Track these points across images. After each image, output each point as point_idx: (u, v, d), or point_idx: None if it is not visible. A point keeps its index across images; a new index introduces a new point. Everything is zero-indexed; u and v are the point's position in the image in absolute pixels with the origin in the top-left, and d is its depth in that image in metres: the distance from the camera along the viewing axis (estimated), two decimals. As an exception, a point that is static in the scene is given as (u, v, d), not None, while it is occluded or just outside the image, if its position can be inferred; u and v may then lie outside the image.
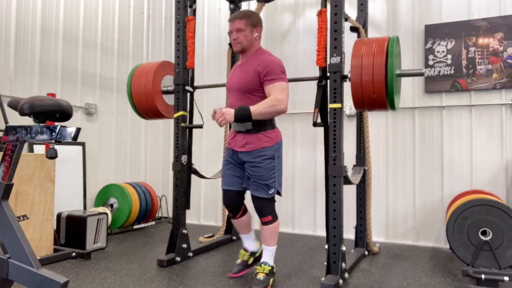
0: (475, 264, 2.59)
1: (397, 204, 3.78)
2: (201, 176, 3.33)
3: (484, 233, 2.60)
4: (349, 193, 3.57)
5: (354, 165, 3.29)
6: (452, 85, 3.62)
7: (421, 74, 2.55)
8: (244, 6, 4.09)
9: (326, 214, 2.57)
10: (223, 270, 2.81)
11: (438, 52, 3.69)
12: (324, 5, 2.69)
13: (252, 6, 4.04)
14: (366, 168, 3.28)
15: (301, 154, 4.17)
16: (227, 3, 3.95)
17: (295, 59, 4.20)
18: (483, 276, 2.45)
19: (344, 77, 2.60)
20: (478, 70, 3.55)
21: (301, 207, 4.14)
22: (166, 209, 4.88)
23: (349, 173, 2.84)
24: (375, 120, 3.80)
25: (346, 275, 2.55)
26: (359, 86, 2.43)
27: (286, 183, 4.19)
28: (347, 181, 2.65)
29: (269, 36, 4.35)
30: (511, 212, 2.57)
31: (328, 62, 2.61)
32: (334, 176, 2.52)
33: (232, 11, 3.91)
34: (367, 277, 2.66)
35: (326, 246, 2.52)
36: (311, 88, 2.96)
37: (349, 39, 3.10)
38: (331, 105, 2.55)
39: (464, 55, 3.60)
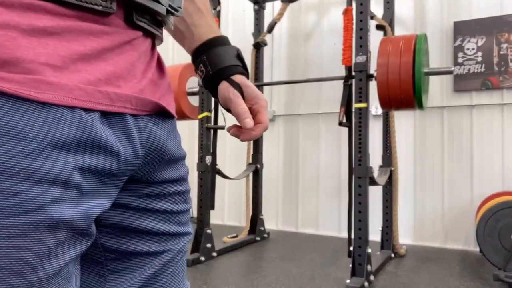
0: (507, 268, 2.50)
1: (424, 206, 3.69)
2: (225, 177, 3.35)
3: (517, 236, 2.51)
4: (374, 194, 3.51)
5: (380, 166, 3.24)
6: (482, 83, 3.51)
7: (450, 72, 2.49)
8: (268, 6, 4.09)
9: (349, 215, 2.53)
10: (247, 270, 2.81)
11: (468, 49, 3.58)
12: (349, 3, 2.66)
13: (277, 6, 4.03)
14: (392, 169, 3.22)
15: (325, 154, 4.13)
16: (251, 4, 3.95)
17: (319, 59, 4.16)
18: (516, 281, 2.37)
19: (370, 76, 2.56)
20: (511, 67, 3.43)
21: (325, 207, 4.10)
22: (191, 209, 4.92)
23: (375, 174, 2.80)
24: (402, 120, 3.72)
25: (372, 277, 2.51)
26: (386, 85, 2.39)
27: (311, 184, 4.16)
28: (373, 182, 2.60)
29: (293, 36, 4.33)
30: (546, 215, 2.47)
31: (353, 61, 2.58)
32: (359, 177, 2.49)
33: (256, 12, 3.91)
34: (393, 280, 2.61)
35: (351, 248, 2.49)
36: (335, 87, 2.93)
37: (375, 38, 3.05)
38: (356, 105, 2.52)
39: (496, 52, 3.49)
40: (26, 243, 0.36)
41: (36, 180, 0.36)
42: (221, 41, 0.67)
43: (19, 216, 0.35)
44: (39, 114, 0.37)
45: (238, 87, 0.64)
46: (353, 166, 2.51)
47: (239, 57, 0.68)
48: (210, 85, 0.67)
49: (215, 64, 0.65)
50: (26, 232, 0.36)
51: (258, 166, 3.82)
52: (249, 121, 0.61)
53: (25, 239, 0.36)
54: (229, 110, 0.66)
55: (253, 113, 0.65)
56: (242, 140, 0.66)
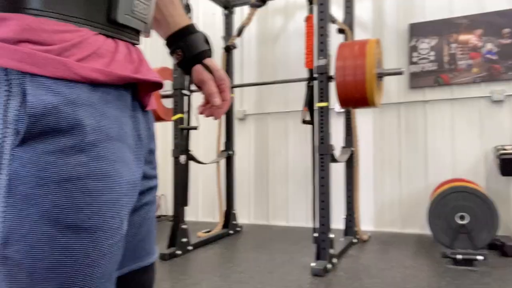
0: (453, 247, 2.81)
1: (384, 194, 3.99)
2: (199, 162, 3.52)
3: (461, 217, 2.82)
4: (338, 184, 3.78)
5: (343, 147, 3.49)
6: (435, 80, 3.83)
7: (400, 73, 2.76)
8: (237, 10, 4.29)
9: (313, 203, 2.78)
10: (221, 261, 3.03)
11: (421, 49, 3.89)
12: (311, 11, 2.89)
13: (245, 10, 4.22)
14: (353, 149, 3.47)
15: (293, 150, 4.37)
16: (221, 9, 4.14)
17: (286, 61, 4.40)
18: (459, 256, 2.67)
19: (330, 78, 2.80)
20: (459, 65, 3.76)
21: (294, 200, 4.35)
22: (166, 207, 5.08)
23: (337, 154, 3.03)
24: (363, 115, 4.00)
25: (335, 260, 2.77)
26: (343, 86, 2.64)
27: (280, 179, 4.40)
28: (334, 160, 2.84)
29: (261, 39, 4.55)
30: (485, 198, 2.79)
31: (315, 64, 2.82)
32: (321, 155, 2.72)
33: (226, 16, 4.11)
34: (354, 262, 2.88)
35: (315, 234, 2.74)
36: (302, 87, 3.16)
37: (337, 41, 3.29)
38: (318, 104, 2.76)
39: (446, 51, 3.81)
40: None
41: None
42: (192, 29, 0.82)
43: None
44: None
45: (210, 70, 0.81)
46: (315, 145, 2.73)
47: (207, 41, 0.84)
48: (185, 67, 0.83)
49: (191, 50, 0.81)
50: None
51: (231, 152, 4.01)
52: (218, 100, 0.80)
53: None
54: (200, 88, 0.84)
55: (219, 91, 0.82)
56: (216, 118, 0.84)
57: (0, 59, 0.49)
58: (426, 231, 3.78)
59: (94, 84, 0.55)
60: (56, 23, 0.53)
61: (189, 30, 0.82)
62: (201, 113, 0.85)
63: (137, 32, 0.68)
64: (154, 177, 0.73)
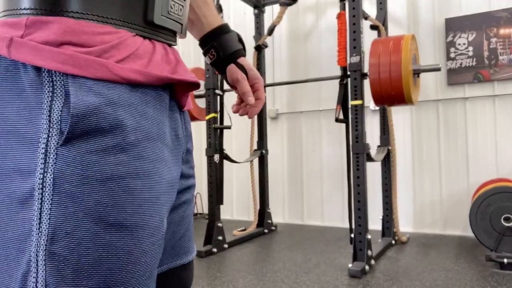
0: (498, 250, 2.69)
1: (424, 195, 3.87)
2: (232, 161, 3.55)
3: (506, 219, 2.69)
4: (374, 184, 3.70)
5: (378, 146, 3.42)
6: (474, 76, 3.68)
7: (438, 69, 2.67)
8: (267, 9, 4.28)
9: (349, 202, 2.73)
10: (256, 259, 3.02)
11: (459, 44, 3.75)
12: (343, 7, 2.85)
13: (275, 9, 4.21)
14: (390, 148, 3.38)
15: (327, 149, 4.32)
16: (252, 8, 4.15)
17: (318, 59, 4.35)
18: (505, 260, 2.55)
19: (364, 75, 2.75)
20: (500, 61, 3.59)
21: (329, 200, 4.30)
22: (201, 206, 5.14)
23: (373, 152, 2.96)
24: (399, 114, 3.90)
25: (372, 261, 2.71)
26: (378, 84, 2.58)
27: (315, 178, 4.36)
28: (370, 159, 2.78)
29: (292, 37, 4.52)
30: (533, 198, 2.65)
31: (348, 62, 2.77)
32: (356, 154, 2.67)
33: (256, 15, 4.11)
34: (393, 264, 2.80)
35: (352, 235, 2.69)
36: (335, 85, 3.12)
37: (370, 37, 3.23)
38: (352, 102, 2.71)
39: (486, 46, 3.65)
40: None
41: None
42: (226, 29, 0.82)
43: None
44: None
45: (244, 70, 0.82)
46: (351, 144, 2.69)
47: (241, 41, 0.84)
48: (219, 67, 0.83)
49: (225, 49, 0.81)
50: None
51: (264, 151, 4.01)
52: (252, 99, 0.81)
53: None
54: (233, 87, 0.83)
55: (253, 90, 0.83)
56: (250, 117, 0.84)
57: (44, 61, 0.51)
58: (469, 233, 3.64)
59: (133, 85, 0.56)
60: (96, 25, 0.54)
61: (223, 30, 0.82)
62: (235, 112, 0.85)
63: (173, 33, 0.68)
64: (192, 176, 0.74)
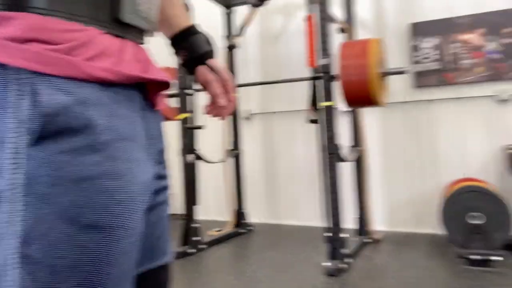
0: (468, 247, 2.76)
1: (396, 194, 3.95)
2: (206, 161, 3.54)
3: (474, 217, 2.78)
4: (349, 185, 3.76)
5: (350, 146, 3.48)
6: (438, 80, 3.80)
7: (403, 72, 2.75)
8: (237, 10, 4.28)
9: (323, 202, 2.76)
10: (234, 259, 3.03)
11: (423, 48, 3.87)
12: (311, 10, 2.89)
13: (246, 10, 4.21)
14: (361, 148, 3.44)
15: (302, 150, 4.35)
16: (222, 8, 4.15)
17: (289, 60, 4.39)
18: (475, 257, 2.63)
19: (334, 77, 2.79)
20: (462, 65, 3.72)
21: (305, 199, 4.31)
22: (176, 206, 5.06)
23: (345, 153, 3.02)
24: (369, 115, 3.97)
25: (348, 260, 2.75)
26: (347, 86, 2.63)
27: (290, 178, 4.38)
28: (342, 159, 2.83)
29: (263, 37, 4.55)
30: (499, 197, 2.76)
31: (317, 64, 2.81)
32: (329, 154, 2.71)
33: (227, 15, 4.11)
34: (368, 262, 2.86)
35: (327, 234, 2.72)
36: (307, 86, 3.15)
37: (338, 40, 3.28)
38: (322, 103, 2.75)
39: (448, 50, 3.78)
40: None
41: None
42: (195, 30, 0.83)
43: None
44: None
45: (214, 71, 0.82)
46: (322, 145, 2.73)
47: (211, 42, 0.84)
48: (189, 68, 0.84)
49: (194, 51, 0.82)
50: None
51: (238, 151, 4.02)
52: (223, 100, 0.81)
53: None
54: (205, 88, 0.83)
55: (224, 91, 0.83)
56: (222, 118, 0.85)
57: (10, 58, 0.49)
58: (440, 230, 3.75)
59: (103, 83, 0.55)
60: (63, 22, 0.53)
61: (192, 31, 0.83)
62: (207, 113, 0.86)
63: (142, 32, 0.68)
64: (167, 176, 0.74)
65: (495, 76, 3.62)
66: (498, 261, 2.61)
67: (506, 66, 3.59)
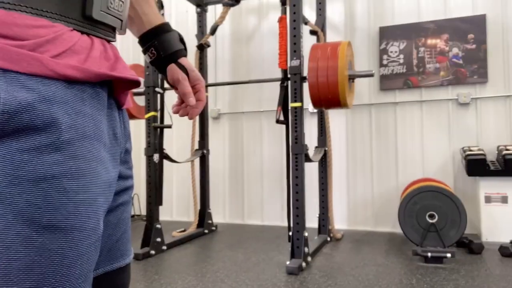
0: (424, 244, 2.89)
1: (357, 194, 4.07)
2: (173, 161, 3.50)
3: (431, 216, 2.91)
4: (312, 184, 3.83)
5: (316, 147, 3.54)
6: (404, 83, 3.93)
7: (371, 75, 2.82)
8: (210, 9, 4.27)
9: (288, 202, 2.80)
10: (196, 260, 3.00)
11: (391, 52, 3.99)
12: (284, 12, 2.91)
13: (218, 9, 4.21)
14: (326, 149, 3.52)
15: (268, 149, 4.39)
16: (194, 7, 4.12)
17: (260, 61, 4.41)
18: (429, 254, 2.76)
19: (304, 79, 2.83)
20: (427, 69, 3.87)
21: (269, 199, 4.37)
22: (139, 207, 5.01)
23: (311, 153, 3.08)
24: (335, 116, 4.06)
25: (309, 258, 2.80)
26: (316, 88, 2.68)
27: (255, 178, 4.41)
28: (308, 159, 2.88)
29: (235, 37, 4.55)
30: (454, 197, 2.89)
31: (288, 65, 2.84)
32: (296, 154, 2.75)
33: (199, 14, 4.08)
34: (328, 260, 2.92)
35: (290, 233, 2.76)
36: (276, 87, 3.18)
37: (310, 42, 3.33)
38: (292, 104, 2.78)
39: (415, 54, 3.92)
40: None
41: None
42: (167, 28, 0.80)
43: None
44: None
45: (185, 70, 0.80)
46: (290, 145, 2.77)
47: (182, 41, 0.82)
48: (159, 66, 0.81)
49: (165, 49, 0.79)
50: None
51: (205, 151, 3.99)
52: (192, 100, 0.79)
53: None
54: (174, 87, 0.82)
55: (194, 91, 0.81)
56: (191, 118, 0.83)
57: None
58: (398, 229, 3.88)
59: (69, 81, 0.54)
60: (29, 18, 0.52)
61: (163, 28, 0.81)
62: (175, 112, 0.84)
63: (112, 29, 0.67)
64: (130, 177, 0.73)
65: (457, 80, 3.78)
66: (450, 258, 2.73)
67: (467, 71, 3.75)
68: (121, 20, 0.67)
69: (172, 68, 0.81)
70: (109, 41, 0.66)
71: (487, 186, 3.32)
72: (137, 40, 0.84)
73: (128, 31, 0.83)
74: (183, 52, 0.82)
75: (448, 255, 2.71)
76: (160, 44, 0.80)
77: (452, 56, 3.80)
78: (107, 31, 0.65)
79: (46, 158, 0.50)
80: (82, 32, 0.59)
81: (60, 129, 0.51)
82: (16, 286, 0.48)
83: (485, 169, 3.26)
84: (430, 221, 2.90)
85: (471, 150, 3.44)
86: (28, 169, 0.49)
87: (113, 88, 0.65)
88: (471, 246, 3.02)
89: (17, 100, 0.48)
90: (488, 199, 3.33)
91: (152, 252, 3.13)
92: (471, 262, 2.81)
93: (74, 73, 0.54)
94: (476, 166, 3.27)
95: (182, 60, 0.81)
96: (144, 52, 0.82)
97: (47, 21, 0.54)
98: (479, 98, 3.74)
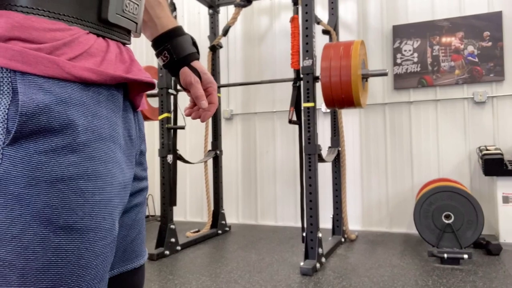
0: (439, 245, 2.85)
1: (372, 194, 4.03)
2: (186, 161, 3.51)
3: (447, 216, 2.87)
4: (325, 185, 3.82)
5: (329, 147, 3.52)
6: (418, 82, 3.89)
7: (385, 74, 2.79)
8: (222, 10, 4.28)
9: (301, 203, 2.79)
10: (209, 260, 3.01)
11: (405, 51, 3.95)
12: (296, 11, 2.90)
13: (230, 10, 4.22)
14: (340, 149, 3.50)
15: (281, 149, 4.38)
16: (206, 8, 4.13)
17: (272, 61, 4.41)
18: (446, 255, 2.71)
19: (316, 78, 2.82)
20: (442, 67, 3.82)
21: (282, 200, 4.36)
22: (153, 207, 5.05)
23: (324, 153, 3.06)
24: (348, 116, 4.04)
25: (323, 259, 2.78)
26: (329, 87, 2.66)
27: (268, 179, 4.41)
28: (322, 160, 2.87)
29: (247, 38, 4.55)
30: (470, 197, 2.84)
31: (301, 65, 2.83)
32: (309, 155, 2.74)
33: (211, 15, 4.10)
34: (342, 261, 2.90)
35: (304, 234, 2.75)
36: (288, 87, 3.17)
37: (322, 42, 3.32)
38: (304, 104, 2.77)
39: (429, 53, 3.87)
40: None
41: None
42: (180, 31, 0.81)
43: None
44: None
45: (197, 73, 0.81)
46: (303, 145, 2.76)
47: (195, 44, 0.83)
48: (172, 69, 0.82)
49: (178, 52, 0.80)
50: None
51: (218, 152, 4.00)
52: (205, 103, 0.79)
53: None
54: (187, 90, 0.82)
55: (207, 94, 0.81)
56: (203, 121, 0.83)
57: None
58: (413, 230, 3.84)
59: (85, 83, 0.55)
60: (47, 21, 0.53)
61: (176, 32, 0.81)
62: (188, 115, 0.84)
63: (127, 32, 0.67)
64: (145, 178, 0.73)
65: (472, 79, 3.72)
66: (467, 259, 2.69)
67: (483, 69, 3.69)
68: (136, 23, 0.68)
69: (185, 71, 0.81)
70: (124, 44, 0.66)
71: (505, 186, 3.26)
72: (146, 42, 0.84)
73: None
74: (196, 55, 0.83)
75: (465, 256, 2.67)
76: (173, 48, 0.80)
77: (467, 54, 3.75)
78: (122, 34, 0.65)
79: (63, 160, 0.51)
80: (98, 35, 0.60)
81: (77, 131, 0.52)
82: (33, 286, 0.49)
83: (502, 168, 3.20)
84: (446, 221, 2.85)
85: (488, 150, 3.38)
86: (46, 171, 0.49)
87: (128, 90, 0.65)
88: (489, 247, 2.97)
89: (35, 102, 0.49)
90: (506, 199, 3.26)
91: (167, 252, 3.15)
92: (488, 263, 2.76)
93: (90, 76, 0.54)
94: (493, 165, 3.21)
95: (194, 63, 0.82)
96: (157, 55, 0.83)
97: (64, 24, 0.55)
98: (496, 97, 3.67)
